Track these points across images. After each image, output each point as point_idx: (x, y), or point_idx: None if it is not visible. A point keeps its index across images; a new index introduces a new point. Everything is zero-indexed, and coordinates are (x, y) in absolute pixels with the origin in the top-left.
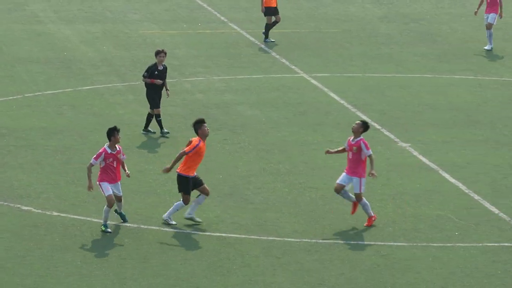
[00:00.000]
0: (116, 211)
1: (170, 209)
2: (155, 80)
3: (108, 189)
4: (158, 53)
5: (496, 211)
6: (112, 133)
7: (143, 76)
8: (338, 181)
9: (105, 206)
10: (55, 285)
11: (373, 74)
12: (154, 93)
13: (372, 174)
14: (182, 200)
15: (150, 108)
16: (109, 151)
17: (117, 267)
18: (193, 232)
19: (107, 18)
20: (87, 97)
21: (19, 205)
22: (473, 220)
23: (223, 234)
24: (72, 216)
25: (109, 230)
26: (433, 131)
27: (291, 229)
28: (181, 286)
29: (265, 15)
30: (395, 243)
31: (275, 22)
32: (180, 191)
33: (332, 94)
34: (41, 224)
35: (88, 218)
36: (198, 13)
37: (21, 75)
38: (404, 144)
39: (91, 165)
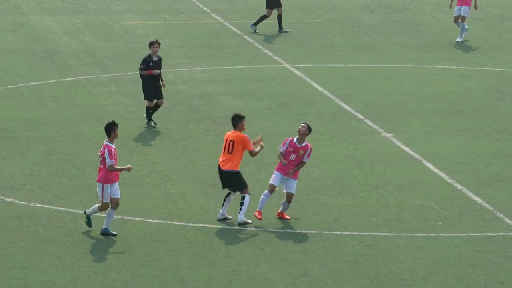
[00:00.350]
0: (85, 212)
1: (243, 208)
2: (152, 71)
3: (108, 196)
4: (151, 44)
5: (479, 200)
6: (112, 128)
7: (140, 69)
8: (272, 182)
9: (96, 206)
10: (38, 277)
11: (356, 64)
12: (150, 85)
13: (289, 174)
14: (246, 194)
15: (144, 98)
16: (113, 146)
17: (100, 258)
18: (176, 223)
19: (90, 10)
20: (70, 89)
21: (2, 197)
22: (457, 210)
23: (207, 225)
24: (55, 208)
25: (91, 225)
26: (416, 121)
27: (275, 220)
28: (165, 277)
29: (266, 8)
30: (379, 233)
31: (280, 16)
32: (240, 188)
33: (315, 85)
34: (24, 216)
35: (72, 210)
36: (180, 4)
37: (4, 66)
38: (387, 134)
39: (113, 165)
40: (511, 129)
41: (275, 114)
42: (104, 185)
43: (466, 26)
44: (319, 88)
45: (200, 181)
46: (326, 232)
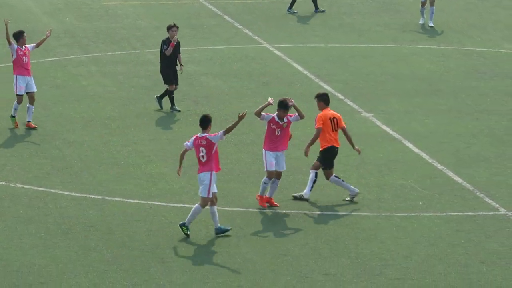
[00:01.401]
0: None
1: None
2: (173, 43)
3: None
4: (170, 28)
5: (459, 180)
6: (210, 120)
7: (164, 49)
8: (269, 169)
9: (196, 208)
10: (19, 257)
11: (335, 44)
12: (168, 69)
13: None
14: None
15: (164, 83)
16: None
17: (81, 238)
18: (157, 203)
19: None
20: (50, 69)
21: None
22: (437, 189)
23: (187, 206)
24: (36, 188)
25: (188, 232)
26: (396, 100)
27: (255, 200)
28: (146, 257)
29: None
30: (359, 213)
31: None
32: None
33: (295, 65)
34: (5, 196)
35: (52, 190)
36: None
37: None
38: (367, 114)
39: (185, 149)
40: (490, 109)
41: (255, 94)
42: (212, 172)
43: (432, 20)
44: (299, 68)
45: None
46: (306, 212)
